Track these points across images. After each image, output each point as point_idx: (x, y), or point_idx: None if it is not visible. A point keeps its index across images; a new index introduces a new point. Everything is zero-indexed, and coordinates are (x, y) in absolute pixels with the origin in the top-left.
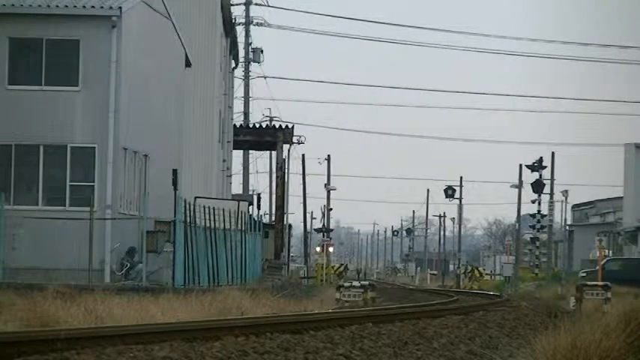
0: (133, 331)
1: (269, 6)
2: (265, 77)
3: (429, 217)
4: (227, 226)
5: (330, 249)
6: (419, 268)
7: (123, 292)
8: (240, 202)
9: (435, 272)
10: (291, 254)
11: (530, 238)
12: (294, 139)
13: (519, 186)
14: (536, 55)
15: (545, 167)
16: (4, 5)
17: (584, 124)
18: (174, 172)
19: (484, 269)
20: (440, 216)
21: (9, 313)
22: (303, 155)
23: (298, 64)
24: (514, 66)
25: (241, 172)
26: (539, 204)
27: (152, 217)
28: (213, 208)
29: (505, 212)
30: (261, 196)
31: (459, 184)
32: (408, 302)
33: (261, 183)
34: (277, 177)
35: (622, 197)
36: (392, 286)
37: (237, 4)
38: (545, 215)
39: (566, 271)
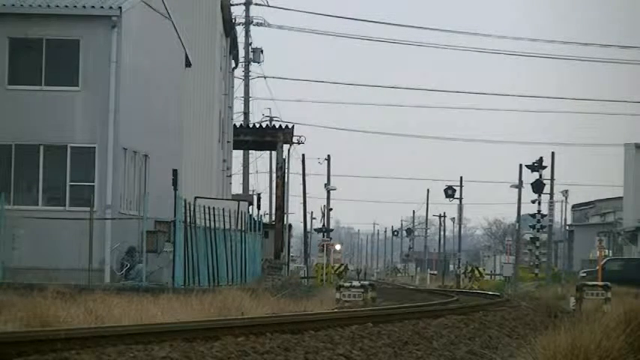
0: (133, 331)
1: (269, 6)
2: (265, 77)
3: (429, 217)
4: (227, 226)
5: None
6: (419, 268)
7: (123, 292)
8: (240, 202)
9: (435, 272)
10: (291, 254)
11: (530, 238)
12: (294, 139)
13: (519, 186)
14: (536, 55)
15: (545, 167)
16: (4, 5)
17: (584, 124)
18: (175, 172)
19: (484, 269)
20: (440, 216)
21: (9, 313)
22: (303, 155)
23: (298, 64)
24: (514, 66)
25: (241, 172)
26: (539, 204)
27: (152, 217)
28: (213, 208)
29: (505, 212)
30: (261, 196)
31: (459, 184)
32: (408, 302)
33: (261, 183)
34: (277, 177)
35: (622, 197)
36: (392, 286)
37: (237, 4)
38: (545, 215)
39: (566, 271)
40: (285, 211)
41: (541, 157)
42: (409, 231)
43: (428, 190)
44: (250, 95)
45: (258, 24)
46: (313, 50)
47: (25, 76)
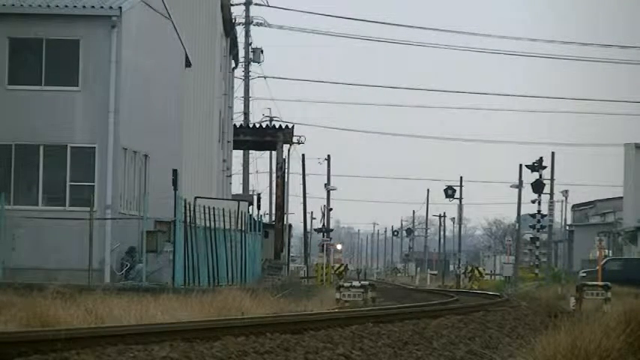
0: (133, 331)
1: (269, 6)
2: (265, 77)
3: (429, 217)
4: (227, 226)
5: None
6: (419, 268)
7: (123, 292)
8: (240, 202)
9: (435, 272)
10: (291, 254)
11: (530, 238)
12: (294, 139)
13: (519, 186)
14: (536, 55)
15: (545, 167)
16: (4, 5)
17: (584, 124)
18: (174, 172)
19: (484, 269)
20: (440, 216)
21: (9, 313)
22: (303, 155)
23: (298, 64)
24: (514, 66)
25: (241, 172)
26: (539, 204)
27: (152, 217)
28: (213, 208)
29: (505, 212)
30: (261, 196)
31: (459, 184)
32: (408, 302)
33: (261, 183)
34: (277, 177)
35: (622, 197)
36: (392, 286)
37: (237, 4)
38: (545, 215)
39: (566, 271)
40: (285, 211)
41: (541, 157)
42: (409, 231)
43: (428, 190)
44: (250, 95)
45: (258, 24)
46: (313, 50)
47: (25, 76)
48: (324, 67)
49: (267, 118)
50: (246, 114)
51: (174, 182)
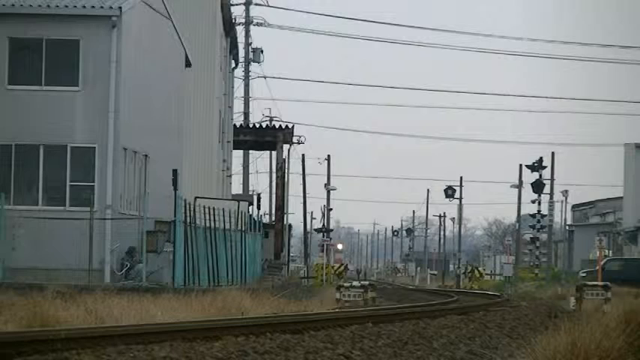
0: (133, 331)
1: (269, 6)
2: (265, 77)
3: (429, 217)
4: (227, 226)
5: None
6: (419, 268)
7: (123, 292)
8: (240, 202)
9: (435, 272)
10: (291, 254)
11: (530, 238)
12: (294, 139)
13: (519, 186)
14: (536, 55)
15: (545, 167)
16: (4, 5)
17: (584, 124)
18: (174, 172)
19: (484, 269)
20: (440, 216)
21: (9, 313)
22: (303, 155)
23: (298, 64)
24: (514, 66)
25: (241, 172)
26: (539, 204)
27: (152, 217)
28: (213, 208)
29: (505, 212)
30: (261, 196)
31: (459, 184)
32: (408, 302)
33: (261, 183)
34: (277, 177)
35: (622, 197)
36: (392, 286)
37: (237, 4)
38: (545, 215)
39: (566, 271)
40: (285, 211)
41: (541, 157)
42: (409, 231)
43: (428, 190)
44: (250, 95)
45: (258, 24)
46: (313, 50)
47: (25, 76)
48: (324, 67)
49: (267, 118)
50: (246, 114)
51: (174, 182)
